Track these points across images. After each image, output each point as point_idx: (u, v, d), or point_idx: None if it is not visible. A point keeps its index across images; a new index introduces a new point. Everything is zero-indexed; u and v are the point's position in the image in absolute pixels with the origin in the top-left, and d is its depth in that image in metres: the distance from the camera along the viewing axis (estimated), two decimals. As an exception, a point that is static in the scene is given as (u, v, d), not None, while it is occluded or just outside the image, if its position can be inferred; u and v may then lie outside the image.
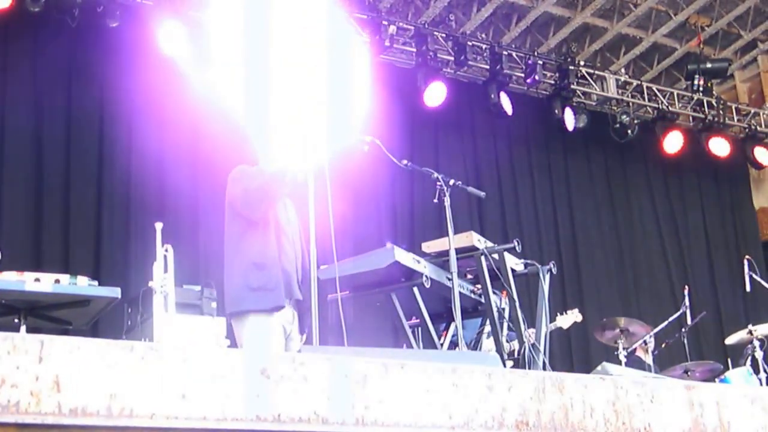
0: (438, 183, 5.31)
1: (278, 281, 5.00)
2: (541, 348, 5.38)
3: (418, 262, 5.18)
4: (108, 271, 8.49)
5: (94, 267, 8.53)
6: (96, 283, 5.57)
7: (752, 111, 13.69)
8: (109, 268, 8.64)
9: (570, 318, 8.50)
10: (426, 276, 5.12)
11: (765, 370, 7.66)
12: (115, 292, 5.55)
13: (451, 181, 5.36)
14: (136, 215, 8.98)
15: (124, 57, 9.37)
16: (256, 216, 5.06)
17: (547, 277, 5.65)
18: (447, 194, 5.27)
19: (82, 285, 5.40)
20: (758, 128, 13.56)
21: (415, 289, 5.22)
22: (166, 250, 6.01)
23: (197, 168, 9.31)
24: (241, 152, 5.51)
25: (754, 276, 8.18)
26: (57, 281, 5.25)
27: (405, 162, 5.52)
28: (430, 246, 5.55)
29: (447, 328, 5.67)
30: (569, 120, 11.81)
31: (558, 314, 8.54)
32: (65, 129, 8.99)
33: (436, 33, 11.01)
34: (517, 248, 5.48)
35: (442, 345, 5.48)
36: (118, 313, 6.96)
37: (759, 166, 13.56)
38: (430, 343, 5.44)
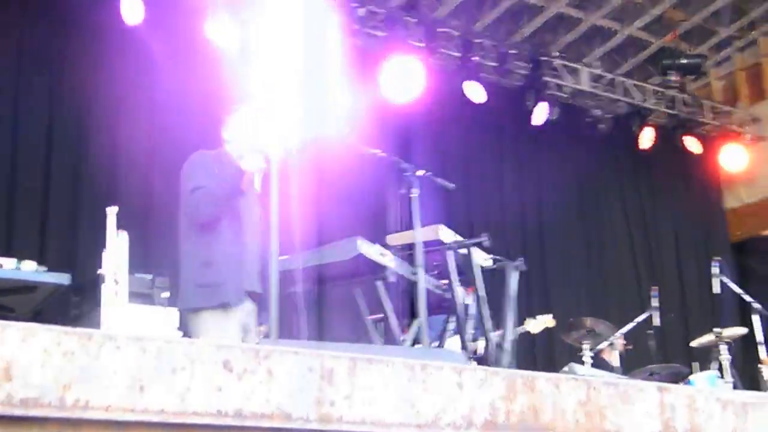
0: (406, 173, 5.18)
1: (227, 277, 4.90)
2: (507, 347, 5.27)
3: (383, 255, 5.05)
4: (54, 257, 8.23)
5: (40, 252, 8.25)
6: (44, 268, 5.42)
7: (726, 109, 13.68)
8: (55, 253, 8.38)
9: (541, 323, 8.25)
10: (391, 270, 5.00)
11: (731, 374, 7.61)
12: (63, 278, 5.42)
13: (419, 172, 5.22)
14: (86, 198, 8.71)
15: (77, 33, 9.11)
16: (203, 220, 4.92)
17: (515, 273, 5.53)
18: (415, 185, 5.14)
19: (29, 270, 5.25)
20: (732, 127, 13.54)
21: (379, 283, 5.11)
22: (119, 236, 5.84)
23: (152, 150, 9.08)
24: (200, 135, 5.38)
25: (722, 278, 8.14)
26: (0, 266, 5.09)
27: (372, 151, 5.40)
28: (395, 239, 5.43)
29: (410, 324, 5.55)
30: (540, 114, 11.70)
31: (528, 318, 8.34)
32: (12, 107, 8.70)
33: (407, 18, 10.80)
34: (485, 243, 5.37)
35: (404, 341, 5.36)
36: (63, 301, 6.77)
37: (731, 166, 13.49)
38: (391, 339, 5.33)
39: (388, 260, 5.06)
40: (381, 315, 5.41)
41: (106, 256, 5.75)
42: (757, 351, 8.17)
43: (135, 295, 6.32)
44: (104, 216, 5.88)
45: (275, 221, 4.37)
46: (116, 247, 5.73)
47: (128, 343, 2.17)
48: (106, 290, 5.65)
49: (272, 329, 4.22)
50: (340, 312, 8.39)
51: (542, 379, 3.16)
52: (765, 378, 7.90)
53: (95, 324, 5.98)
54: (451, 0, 11.30)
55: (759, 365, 8.10)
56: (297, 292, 4.64)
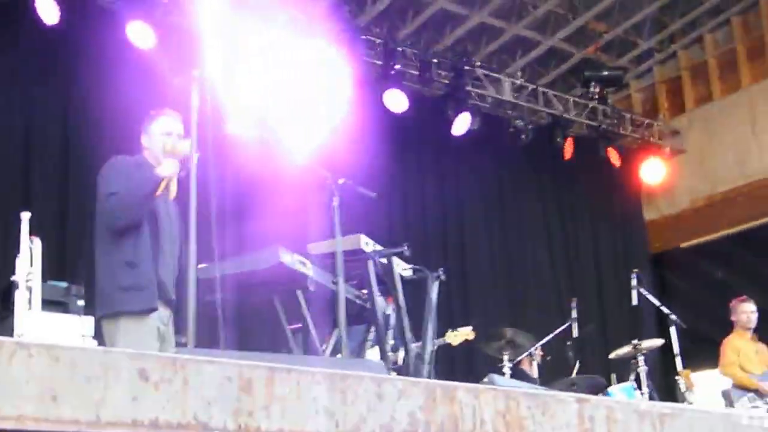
0: (327, 181, 5.14)
1: (151, 280, 4.75)
2: (427, 358, 5.26)
3: (303, 264, 5.00)
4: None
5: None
6: (-46, 275, 5.26)
7: (646, 122, 13.81)
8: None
9: (461, 336, 8.07)
10: (311, 279, 4.96)
11: (648, 386, 7.70)
12: (-26, 285, 5.24)
13: (340, 180, 5.19)
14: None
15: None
16: (118, 227, 4.77)
17: (436, 284, 5.54)
18: (336, 194, 5.10)
19: (-62, 277, 5.09)
20: (651, 139, 13.67)
21: (299, 293, 5.06)
22: (32, 242, 5.71)
23: (67, 154, 8.86)
24: (118, 139, 5.28)
25: (640, 290, 8.24)
26: None
27: (296, 159, 5.36)
28: (316, 247, 5.37)
29: (330, 334, 5.51)
30: (461, 124, 11.70)
31: (449, 330, 8.18)
32: None
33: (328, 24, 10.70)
34: (405, 253, 5.36)
35: (324, 351, 5.32)
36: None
37: (650, 179, 13.63)
38: (311, 349, 5.28)
39: (308, 269, 5.02)
40: (300, 324, 5.36)
41: (19, 262, 5.62)
42: (674, 362, 8.30)
43: (49, 303, 6.18)
44: (17, 221, 5.73)
45: (194, 229, 4.30)
46: (29, 253, 5.59)
47: (41, 351, 2.10)
48: (19, 297, 5.52)
49: (189, 338, 4.14)
50: (259, 321, 8.29)
51: (462, 389, 3.13)
52: (681, 389, 8.02)
53: (7, 332, 5.83)
54: (374, 7, 11.24)
55: (676, 376, 8.23)
56: (216, 300, 4.55)
